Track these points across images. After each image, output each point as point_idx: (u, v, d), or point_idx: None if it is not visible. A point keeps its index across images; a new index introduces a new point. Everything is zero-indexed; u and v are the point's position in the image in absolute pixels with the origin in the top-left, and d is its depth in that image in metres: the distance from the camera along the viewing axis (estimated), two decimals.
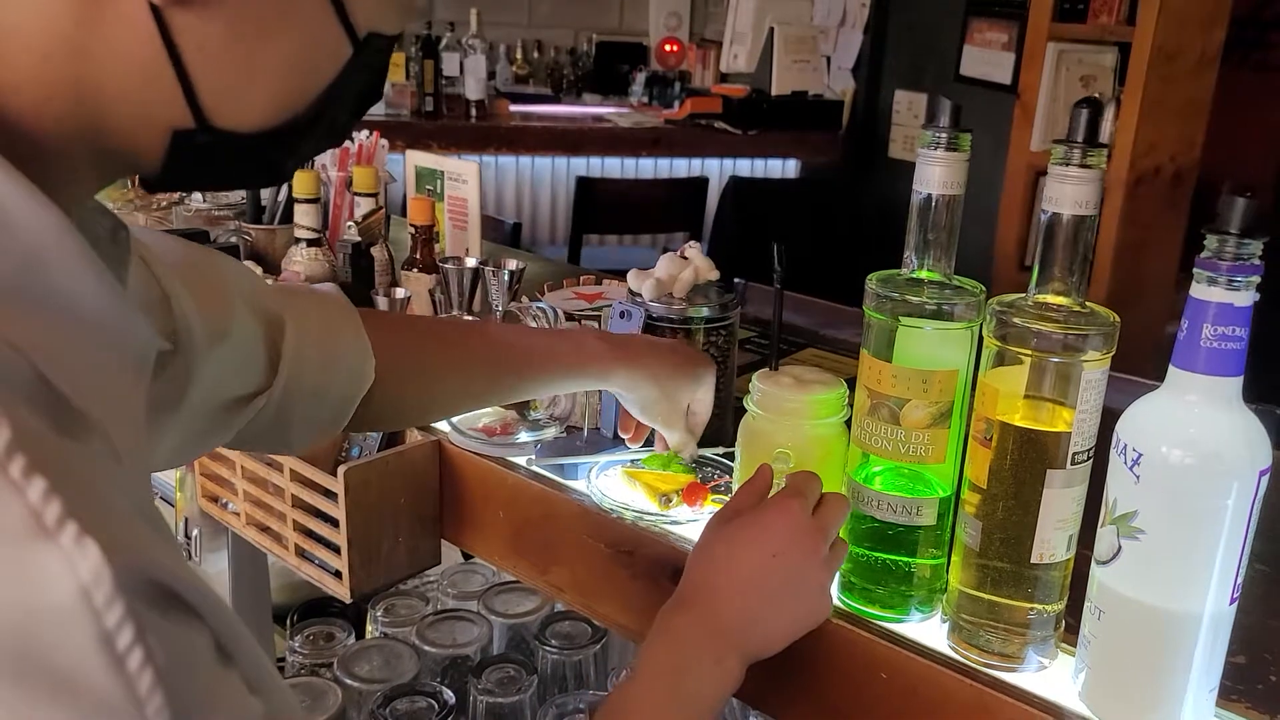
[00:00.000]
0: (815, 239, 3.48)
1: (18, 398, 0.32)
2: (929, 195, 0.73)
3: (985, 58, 3.46)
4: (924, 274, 0.75)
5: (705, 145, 3.53)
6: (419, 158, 1.33)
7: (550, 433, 1.06)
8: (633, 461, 0.98)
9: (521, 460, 1.03)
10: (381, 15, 0.43)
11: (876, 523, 0.78)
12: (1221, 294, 0.59)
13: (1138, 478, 0.63)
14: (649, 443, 0.98)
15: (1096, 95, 0.71)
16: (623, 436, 0.99)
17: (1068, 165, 0.66)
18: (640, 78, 4.17)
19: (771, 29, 3.39)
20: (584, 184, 3.04)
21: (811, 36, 3.49)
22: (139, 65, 0.37)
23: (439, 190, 1.32)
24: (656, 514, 0.91)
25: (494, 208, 3.42)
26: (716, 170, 3.62)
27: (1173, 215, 2.94)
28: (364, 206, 1.24)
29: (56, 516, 0.31)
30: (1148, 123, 2.78)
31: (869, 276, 0.77)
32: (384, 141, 1.36)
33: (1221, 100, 2.83)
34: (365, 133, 1.34)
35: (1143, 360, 3.16)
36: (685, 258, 1.05)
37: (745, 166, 3.69)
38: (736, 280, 2.09)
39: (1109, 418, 0.67)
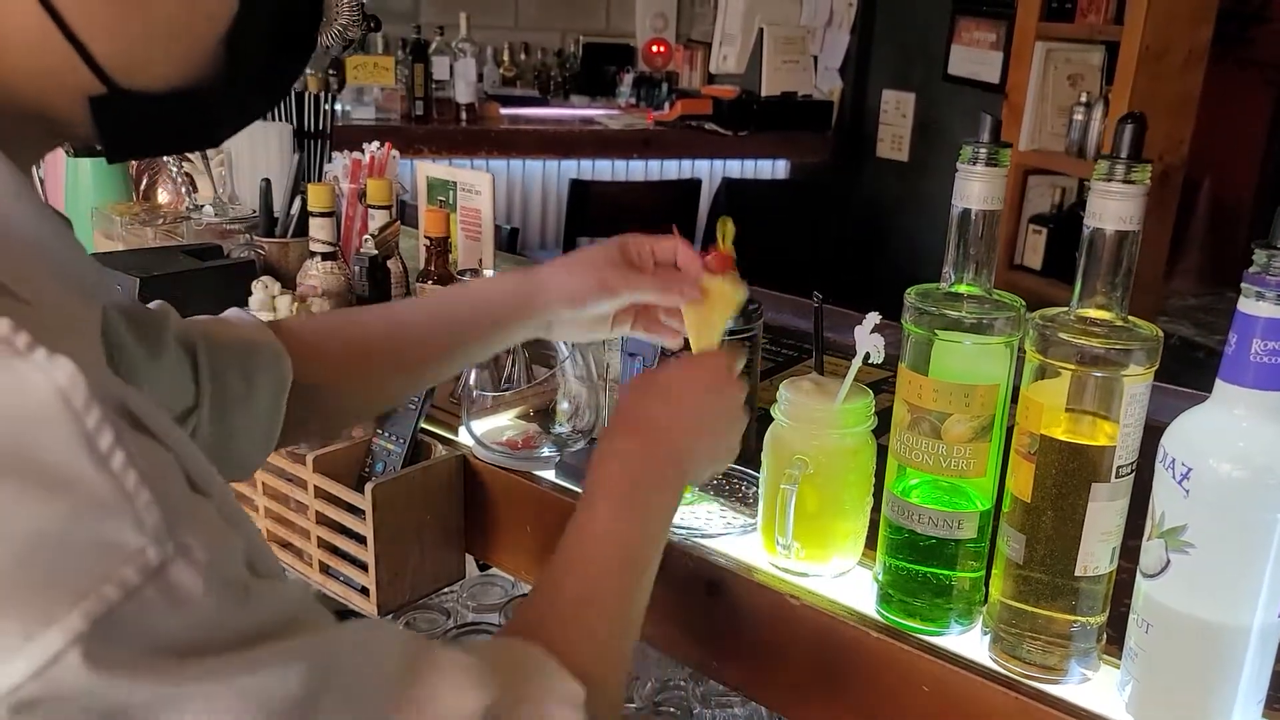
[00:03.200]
0: (807, 239, 3.49)
1: None
2: (968, 210, 0.73)
3: (973, 57, 3.48)
4: (963, 288, 0.75)
5: (695, 146, 3.53)
6: (430, 168, 1.33)
7: (573, 445, 1.05)
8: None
9: (546, 473, 1.03)
10: None
11: (915, 535, 0.78)
12: (1270, 309, 0.60)
13: (1187, 492, 0.63)
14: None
15: (1138, 113, 0.70)
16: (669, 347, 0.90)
17: (1111, 180, 0.67)
18: (627, 79, 4.17)
19: (761, 30, 3.39)
20: (577, 187, 3.04)
21: (800, 38, 3.50)
22: (31, 35, 0.39)
23: (451, 201, 1.31)
24: (686, 527, 0.91)
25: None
26: (706, 171, 3.62)
27: (1160, 212, 2.97)
28: (378, 219, 1.23)
29: (26, 342, 0.34)
30: None
31: (908, 291, 0.77)
32: (395, 152, 1.35)
33: (1204, 95, 2.86)
34: (377, 144, 1.33)
35: None
36: None
37: (735, 167, 3.69)
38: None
39: None
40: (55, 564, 0.33)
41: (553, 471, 1.02)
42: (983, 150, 0.72)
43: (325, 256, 1.20)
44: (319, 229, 1.18)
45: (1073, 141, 3.05)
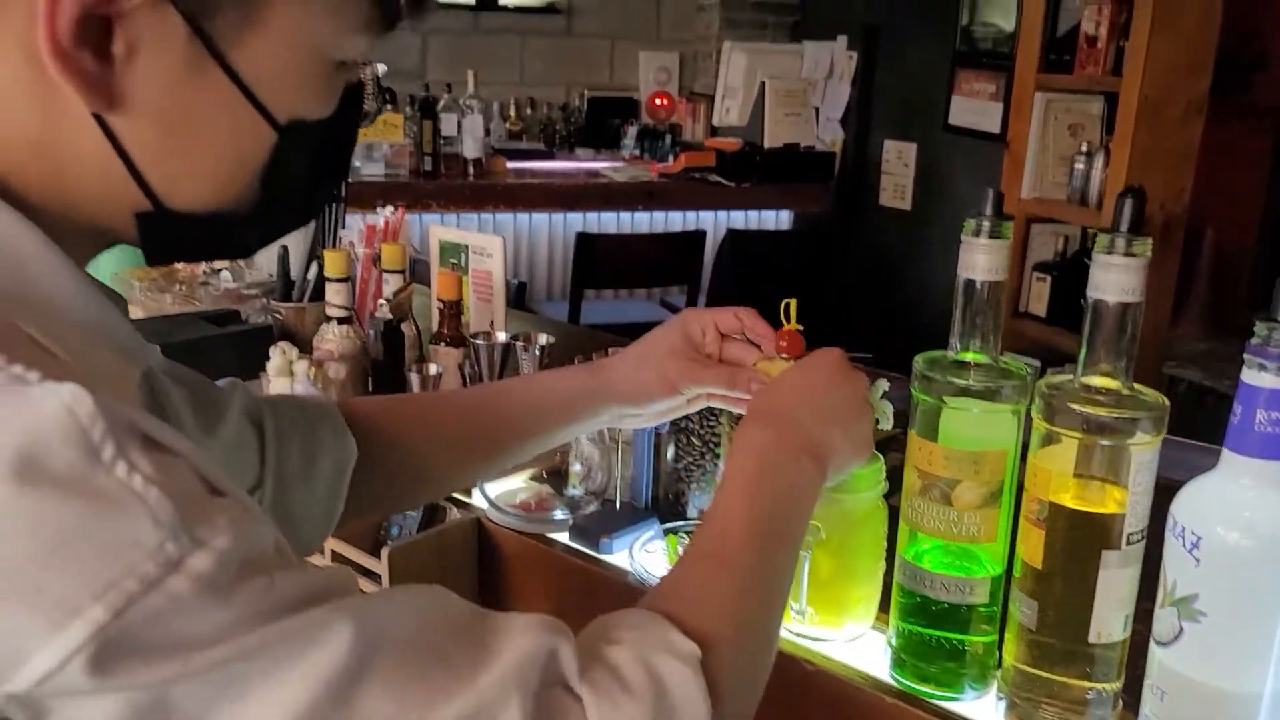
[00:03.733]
0: (811, 289, 3.51)
1: (6, 338, 0.39)
2: (972, 281, 0.75)
3: (973, 107, 3.53)
4: (970, 355, 0.77)
5: (699, 198, 3.57)
6: (443, 232, 1.35)
7: (586, 507, 1.06)
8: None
9: (560, 536, 1.04)
10: (301, 104, 0.48)
11: (928, 600, 0.78)
12: (1273, 380, 0.61)
13: (1197, 561, 0.64)
14: None
15: (1138, 186, 0.72)
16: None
17: (1112, 253, 0.68)
18: (632, 131, 4.22)
19: (763, 84, 3.45)
20: (584, 240, 3.07)
21: (802, 90, 3.55)
22: (95, 159, 0.44)
23: (463, 263, 1.34)
24: None
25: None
26: (711, 222, 3.66)
27: (1164, 262, 2.99)
28: (393, 283, 1.25)
29: (37, 376, 0.37)
30: (1137, 171, 2.83)
31: (916, 358, 0.79)
32: (410, 216, 1.38)
33: (1205, 142, 2.89)
34: (390, 209, 1.36)
35: None
36: None
37: (739, 218, 3.73)
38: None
39: None
40: (75, 561, 0.35)
41: (566, 534, 1.03)
42: (986, 223, 0.74)
43: (341, 321, 1.22)
44: (335, 294, 1.20)
45: (1074, 190, 3.07)
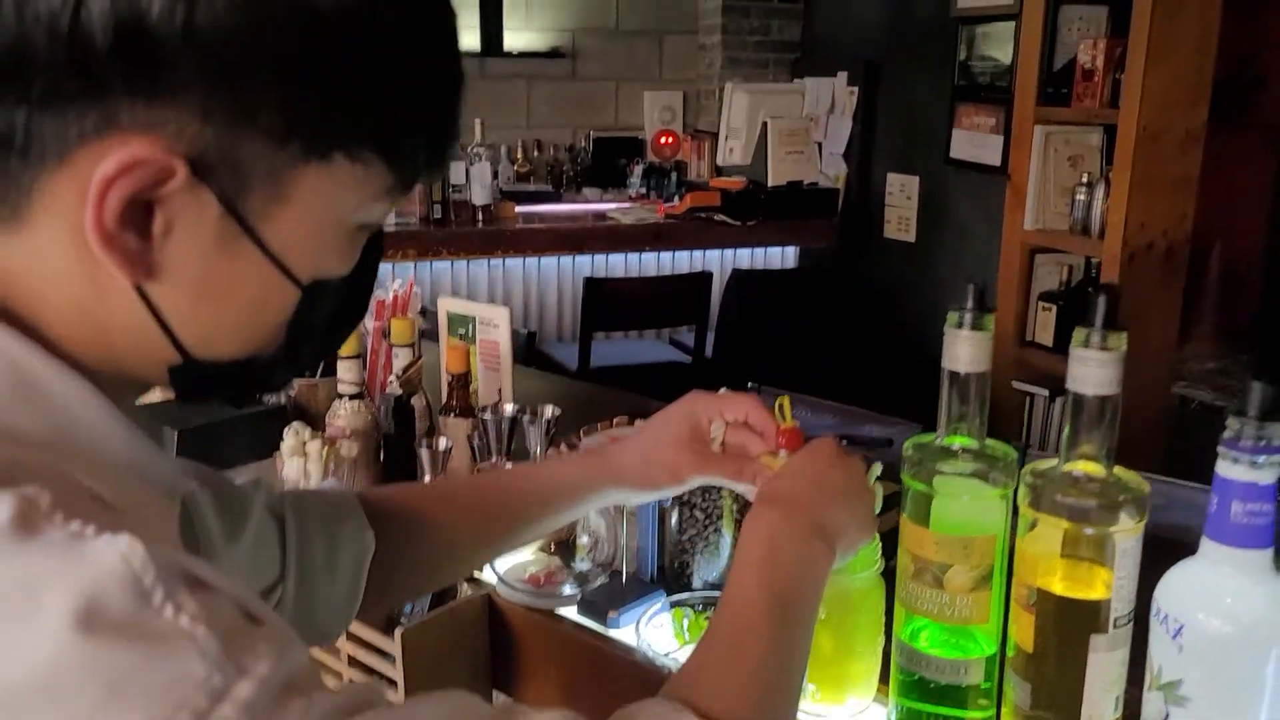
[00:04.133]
0: (817, 325, 3.54)
1: (63, 489, 0.42)
2: (956, 372, 0.78)
3: (974, 140, 3.56)
4: (958, 440, 0.79)
5: (705, 237, 3.61)
6: (450, 304, 1.39)
7: (593, 580, 1.09)
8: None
9: (569, 611, 1.06)
10: (323, 264, 0.52)
11: (925, 679, 0.81)
12: (1245, 473, 0.64)
13: (1181, 647, 0.66)
14: None
15: (1112, 284, 0.74)
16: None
17: (1088, 348, 0.71)
18: (638, 170, 4.28)
19: (765, 124, 3.49)
20: (592, 285, 3.11)
21: (804, 129, 3.59)
22: (135, 324, 0.48)
23: (470, 334, 1.37)
24: None
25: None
26: (717, 260, 3.69)
27: (1170, 285, 3.01)
28: (402, 358, 1.29)
29: (94, 530, 0.40)
30: (1138, 201, 2.85)
31: (905, 444, 0.81)
32: (418, 290, 1.41)
33: (1208, 161, 2.91)
34: (399, 282, 1.40)
35: (1150, 425, 3.18)
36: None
37: (745, 256, 3.77)
38: (750, 385, 2.14)
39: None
40: (133, 700, 0.38)
41: (574, 609, 1.06)
42: (968, 316, 0.76)
43: (353, 397, 1.25)
44: (346, 371, 1.24)
45: (1076, 220, 3.09)
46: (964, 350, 0.76)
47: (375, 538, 0.77)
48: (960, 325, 0.77)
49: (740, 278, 3.33)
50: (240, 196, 0.46)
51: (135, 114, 0.43)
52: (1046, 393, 3.15)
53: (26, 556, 0.39)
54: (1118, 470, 0.73)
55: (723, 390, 0.89)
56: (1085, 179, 3.05)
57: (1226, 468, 0.64)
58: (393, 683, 1.03)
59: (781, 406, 0.83)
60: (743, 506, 1.07)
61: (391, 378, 1.25)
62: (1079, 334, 0.71)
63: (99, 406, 0.48)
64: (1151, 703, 0.68)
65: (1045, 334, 3.29)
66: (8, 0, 0.42)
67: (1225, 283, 4.60)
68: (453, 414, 1.27)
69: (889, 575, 0.85)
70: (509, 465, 1.14)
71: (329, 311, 0.53)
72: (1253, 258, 4.19)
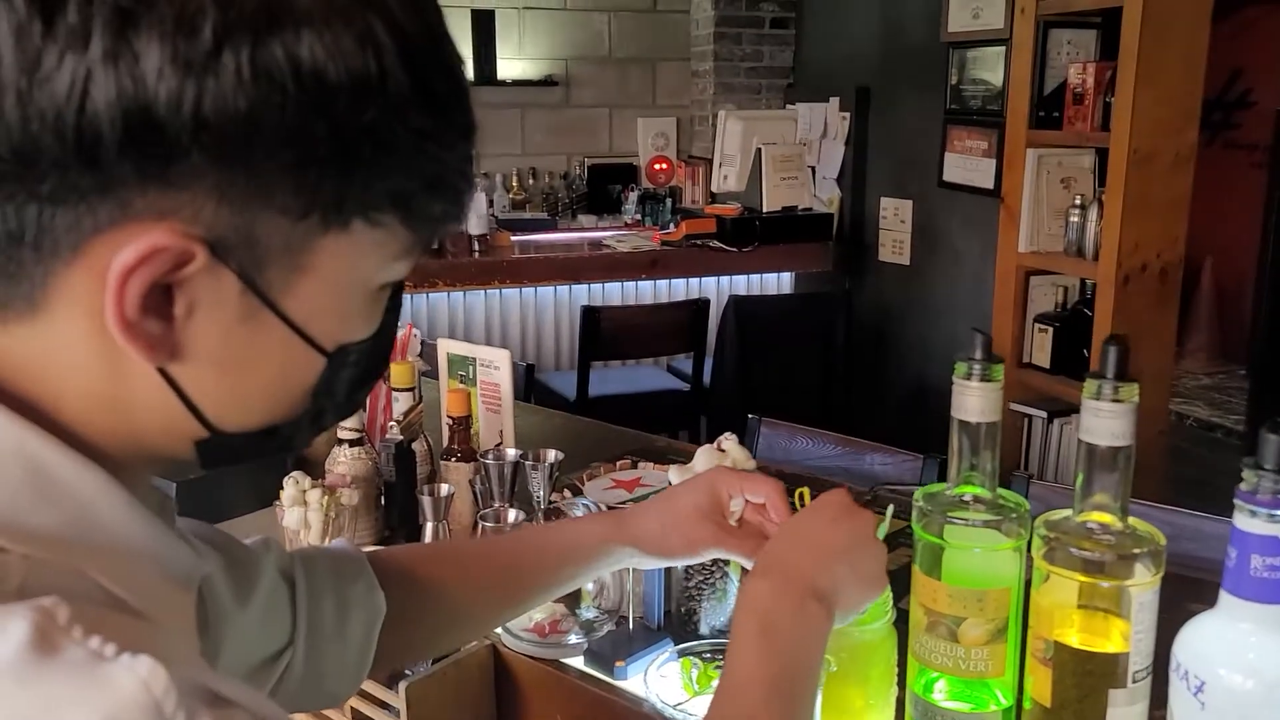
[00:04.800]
0: (816, 350, 3.53)
1: (81, 596, 0.41)
2: (966, 422, 0.77)
3: (966, 164, 3.57)
4: (969, 490, 0.78)
5: (702, 264, 3.61)
6: (450, 345, 1.38)
7: (599, 628, 1.07)
8: None
9: (575, 661, 1.05)
10: (346, 329, 0.51)
11: None
12: (1264, 526, 0.63)
13: (1203, 705, 0.65)
14: None
15: (1120, 335, 0.73)
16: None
17: (1100, 400, 0.70)
18: (632, 196, 4.29)
19: (759, 150, 3.50)
20: (589, 314, 3.10)
21: (798, 154, 3.60)
22: (159, 405, 0.47)
23: (471, 376, 1.36)
24: None
25: (499, 339, 3.47)
26: (714, 287, 3.70)
27: (1164, 306, 3.01)
28: (402, 402, 1.28)
29: (114, 651, 0.39)
30: (1131, 222, 2.86)
31: (915, 494, 0.80)
32: (417, 331, 1.41)
33: (1198, 178, 2.92)
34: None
35: (1148, 447, 3.18)
36: (722, 449, 1.09)
37: (741, 282, 3.77)
38: (750, 417, 2.13)
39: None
40: None
41: (581, 659, 1.04)
42: (976, 367, 0.76)
43: (353, 443, 1.24)
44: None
45: (1071, 242, 3.10)
46: (974, 401, 0.76)
47: (385, 600, 0.76)
48: (969, 376, 0.76)
49: (738, 304, 3.33)
50: (260, 272, 0.45)
51: (149, 201, 0.42)
52: (1045, 414, 3.15)
53: (47, 682, 0.38)
54: (1133, 521, 0.73)
55: (751, 466, 0.87)
56: (1078, 201, 3.06)
57: (1245, 520, 0.64)
58: None
59: (802, 495, 0.82)
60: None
61: (392, 422, 1.24)
62: (1090, 385, 0.70)
63: (117, 497, 0.47)
64: None
65: (1042, 355, 3.29)
66: (9, 98, 0.40)
67: (1218, 298, 4.61)
68: (455, 458, 1.26)
69: (901, 620, 0.84)
70: (512, 513, 1.13)
71: (354, 372, 0.53)
72: (1243, 274, 4.21)
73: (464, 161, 0.50)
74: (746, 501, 0.83)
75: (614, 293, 3.62)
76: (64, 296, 0.44)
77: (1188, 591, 0.73)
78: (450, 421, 1.27)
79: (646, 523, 0.84)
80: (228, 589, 0.66)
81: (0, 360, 0.45)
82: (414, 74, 0.46)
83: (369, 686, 1.04)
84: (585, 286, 3.55)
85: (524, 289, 3.50)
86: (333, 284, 0.48)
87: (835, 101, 3.98)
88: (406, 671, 1.05)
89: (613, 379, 3.43)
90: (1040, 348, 3.31)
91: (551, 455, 1.20)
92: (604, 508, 1.11)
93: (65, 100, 0.40)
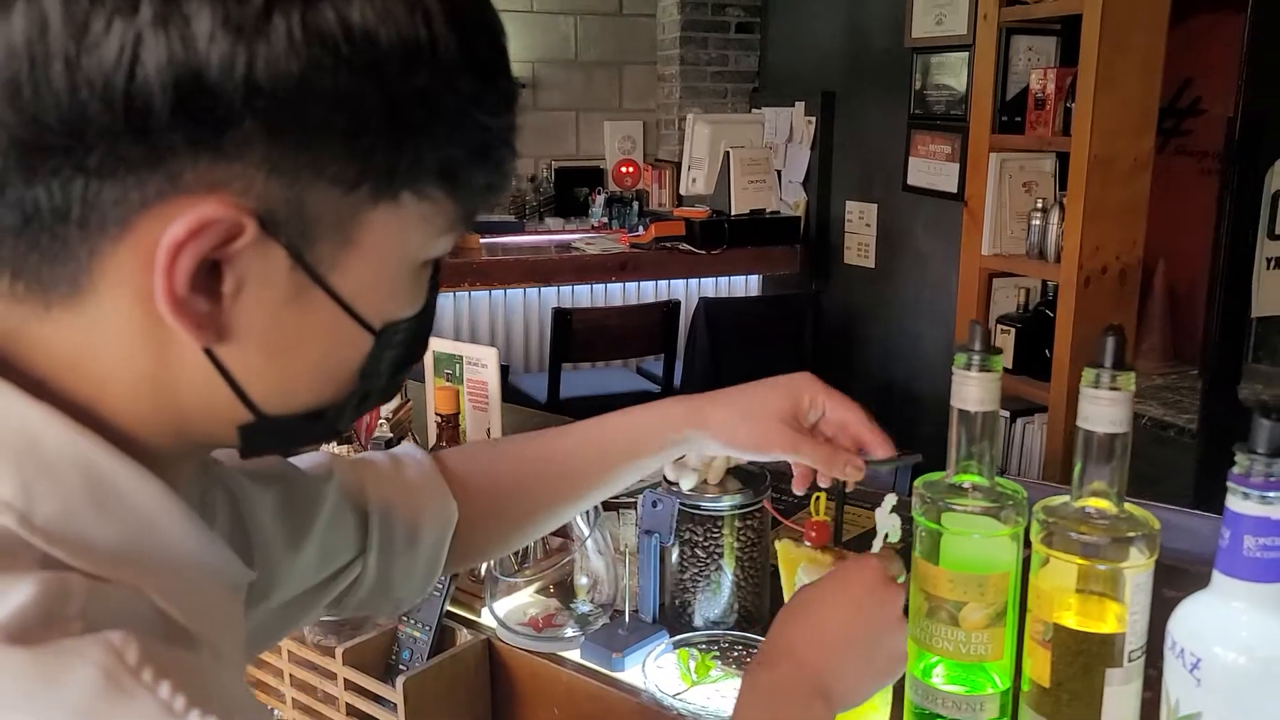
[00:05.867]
0: (785, 350, 3.57)
1: (143, 626, 0.41)
2: (966, 411, 0.79)
3: (930, 168, 3.63)
4: (968, 478, 0.80)
5: (670, 267, 3.63)
6: (438, 344, 1.38)
7: (594, 622, 1.08)
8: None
9: (571, 653, 1.05)
10: (393, 306, 0.50)
11: (940, 716, 0.81)
12: (1256, 508, 0.65)
13: (1198, 681, 0.67)
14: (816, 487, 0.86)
15: (1118, 325, 0.75)
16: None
17: (1099, 388, 0.72)
18: (600, 199, 4.29)
19: (727, 153, 3.53)
20: (560, 316, 3.10)
21: (765, 158, 3.64)
22: (204, 387, 0.46)
23: (458, 374, 1.36)
24: (719, 712, 0.93)
25: (469, 342, 3.46)
26: (682, 290, 3.72)
27: (1123, 308, 3.08)
28: (392, 400, 1.27)
29: (183, 705, 0.38)
30: (1091, 226, 2.93)
31: (915, 482, 0.82)
32: None
33: (1151, 184, 3.00)
34: None
35: None
36: None
37: (709, 285, 3.80)
38: None
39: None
40: None
41: (578, 651, 1.05)
42: (976, 358, 0.78)
43: (341, 441, 1.23)
44: None
45: (1033, 245, 3.17)
46: (973, 391, 0.78)
47: (457, 508, 0.75)
48: (969, 366, 0.78)
49: (709, 305, 3.35)
50: (309, 247, 0.44)
51: (199, 173, 0.41)
52: (1007, 414, 3.21)
53: None
54: (1128, 506, 0.75)
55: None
56: (1040, 204, 3.12)
57: (1237, 503, 0.66)
58: None
59: (817, 500, 0.83)
60: (745, 545, 1.07)
61: (381, 420, 1.24)
62: (1089, 374, 0.73)
63: (174, 507, 0.46)
64: None
65: (1005, 357, 3.36)
66: (56, 65, 0.38)
67: (1171, 300, 4.73)
68: None
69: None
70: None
71: (399, 351, 0.51)
72: (1195, 277, 4.32)
73: (508, 129, 0.49)
74: (823, 416, 0.80)
75: (583, 295, 3.62)
76: (109, 276, 0.42)
77: (1160, 578, 0.76)
78: (439, 419, 1.27)
79: (720, 410, 0.80)
80: (280, 536, 0.65)
81: (40, 350, 0.44)
82: (462, 39, 0.45)
83: (366, 682, 1.03)
84: (555, 289, 3.55)
85: (494, 291, 3.50)
86: (381, 260, 0.47)
87: (801, 106, 4.02)
88: (402, 667, 1.05)
89: (583, 381, 3.44)
90: (1003, 349, 3.37)
91: None
92: (600, 509, 1.11)
93: (114, 66, 0.38)
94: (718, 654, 1.03)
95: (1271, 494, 0.65)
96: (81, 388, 0.45)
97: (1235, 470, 0.66)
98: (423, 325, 0.53)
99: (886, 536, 0.84)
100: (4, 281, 0.43)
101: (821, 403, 0.80)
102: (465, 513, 0.76)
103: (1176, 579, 0.81)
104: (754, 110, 4.27)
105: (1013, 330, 3.31)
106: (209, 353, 0.45)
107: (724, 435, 0.80)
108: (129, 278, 0.42)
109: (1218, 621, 0.68)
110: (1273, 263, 2.67)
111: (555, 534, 1.15)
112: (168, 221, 0.41)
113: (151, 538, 0.45)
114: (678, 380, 3.33)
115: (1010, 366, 3.32)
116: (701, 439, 0.81)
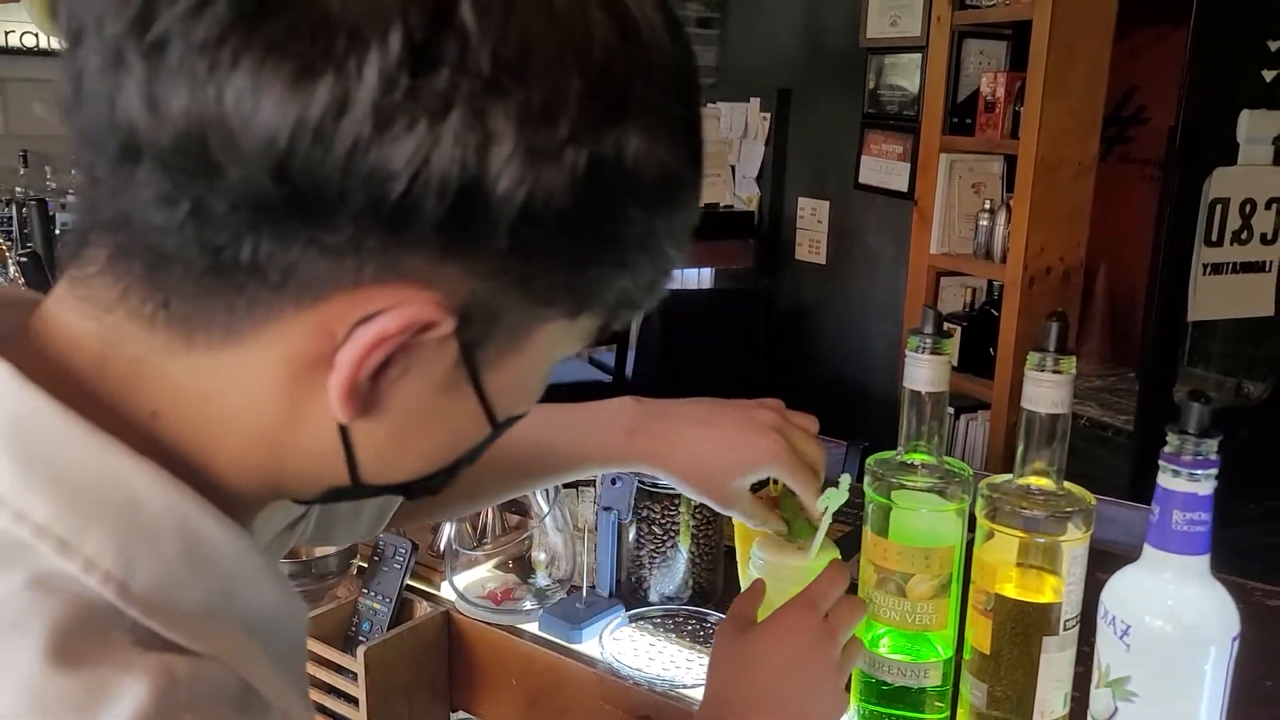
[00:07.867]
0: (737, 343, 3.62)
1: (231, 705, 0.41)
2: (917, 392, 0.82)
3: (882, 167, 3.70)
4: (917, 457, 0.84)
5: None
6: None
7: (552, 596, 1.11)
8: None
9: (529, 626, 1.08)
10: (519, 404, 0.48)
11: (886, 682, 0.85)
12: (1184, 485, 0.70)
13: (1128, 646, 0.72)
14: None
15: (1061, 312, 0.79)
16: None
17: (1043, 371, 0.76)
18: None
19: None
20: None
21: (719, 153, 3.67)
22: (318, 453, 0.44)
23: None
24: (674, 681, 0.96)
25: None
26: None
27: (1066, 307, 3.17)
28: None
29: None
30: (1036, 227, 3.01)
31: (868, 459, 0.86)
32: None
33: (1096, 187, 3.09)
34: None
35: None
36: None
37: None
38: None
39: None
40: None
41: (536, 624, 1.07)
42: (927, 340, 0.81)
43: None
44: None
45: (980, 245, 3.24)
46: (924, 372, 0.81)
47: None
48: (920, 350, 0.82)
49: (663, 298, 3.37)
50: (480, 347, 0.42)
51: (423, 269, 0.38)
52: (952, 410, 3.29)
53: None
54: (1067, 484, 0.79)
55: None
56: (988, 205, 3.20)
57: (1168, 480, 0.70)
58: (352, 700, 1.03)
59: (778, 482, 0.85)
60: (700, 523, 1.10)
61: None
62: (1033, 358, 0.77)
63: (256, 560, 0.45)
64: (1100, 699, 0.74)
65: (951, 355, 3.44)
66: (341, 148, 0.35)
67: (1111, 304, 4.87)
68: None
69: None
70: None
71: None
72: (1135, 282, 4.45)
73: (681, 259, 0.47)
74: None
75: None
76: (271, 335, 0.40)
77: (1093, 562, 0.80)
78: None
79: (683, 459, 0.81)
80: None
81: (163, 386, 0.41)
82: (697, 173, 0.43)
83: (327, 652, 1.05)
84: None
85: None
86: (532, 363, 0.45)
87: (756, 102, 4.07)
88: (362, 638, 1.07)
89: None
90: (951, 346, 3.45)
91: None
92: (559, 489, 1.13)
93: (404, 165, 0.36)
94: (671, 628, 1.06)
95: (1199, 471, 0.69)
96: (191, 432, 0.43)
97: (1167, 450, 0.71)
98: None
99: (828, 509, 0.86)
100: (148, 306, 0.40)
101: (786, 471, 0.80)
102: None
103: (1109, 563, 0.86)
104: (710, 105, 4.30)
105: (958, 329, 3.39)
106: (342, 427, 0.43)
107: (685, 479, 0.81)
108: (294, 340, 0.40)
109: (1147, 591, 0.72)
110: (1209, 269, 2.77)
111: (514, 511, 1.17)
112: (365, 304, 0.38)
113: (235, 597, 0.44)
114: (629, 371, 3.36)
115: (955, 364, 3.41)
116: (656, 473, 0.83)
